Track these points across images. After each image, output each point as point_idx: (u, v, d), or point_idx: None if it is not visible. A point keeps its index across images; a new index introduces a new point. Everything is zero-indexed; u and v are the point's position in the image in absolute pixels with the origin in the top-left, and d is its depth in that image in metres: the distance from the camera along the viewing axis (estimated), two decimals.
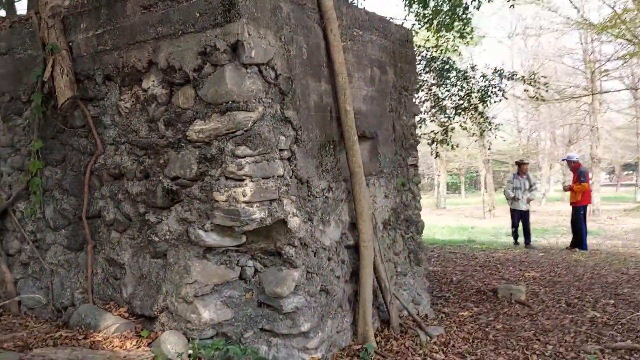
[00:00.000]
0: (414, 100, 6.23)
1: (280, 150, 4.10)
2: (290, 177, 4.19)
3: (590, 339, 5.01)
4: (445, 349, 4.79)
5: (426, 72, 11.01)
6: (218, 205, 3.90)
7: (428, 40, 11.39)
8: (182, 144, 4.11)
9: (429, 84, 11.17)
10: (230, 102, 3.81)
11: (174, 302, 4.14)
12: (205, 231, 4.00)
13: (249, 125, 3.84)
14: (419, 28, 10.98)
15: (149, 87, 4.27)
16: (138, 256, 4.44)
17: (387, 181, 5.54)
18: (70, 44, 4.71)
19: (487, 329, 5.38)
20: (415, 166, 6.15)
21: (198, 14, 3.93)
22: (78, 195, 4.81)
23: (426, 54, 11.02)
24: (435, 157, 13.52)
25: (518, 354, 4.66)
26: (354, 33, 5.12)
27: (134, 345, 3.99)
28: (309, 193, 4.37)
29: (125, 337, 4.10)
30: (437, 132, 11.88)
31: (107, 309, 4.45)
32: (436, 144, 11.86)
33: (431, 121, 11.96)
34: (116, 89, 4.53)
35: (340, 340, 4.59)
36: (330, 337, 4.47)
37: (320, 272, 4.44)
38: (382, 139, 5.48)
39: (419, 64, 10.57)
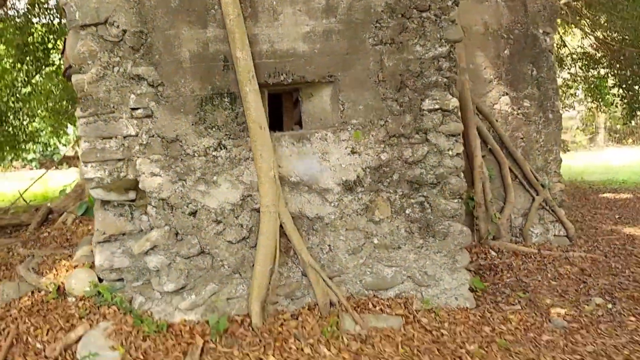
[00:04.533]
0: (445, 22, 4.63)
1: (133, 109, 4.06)
2: (152, 136, 4.11)
3: None
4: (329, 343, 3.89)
5: None
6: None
7: None
8: None
9: None
10: (71, 67, 4.02)
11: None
12: (93, 187, 4.39)
13: (85, 88, 3.98)
14: None
15: None
16: None
17: (364, 134, 4.51)
18: None
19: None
20: (443, 111, 4.66)
21: None
22: None
23: None
24: None
25: None
26: None
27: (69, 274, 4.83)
28: (183, 152, 4.16)
29: (72, 267, 4.98)
30: None
31: None
32: None
33: None
34: None
35: (229, 307, 4.31)
36: (213, 302, 4.26)
37: (201, 235, 4.24)
38: (350, 83, 4.46)
39: None
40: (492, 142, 6.85)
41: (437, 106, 4.60)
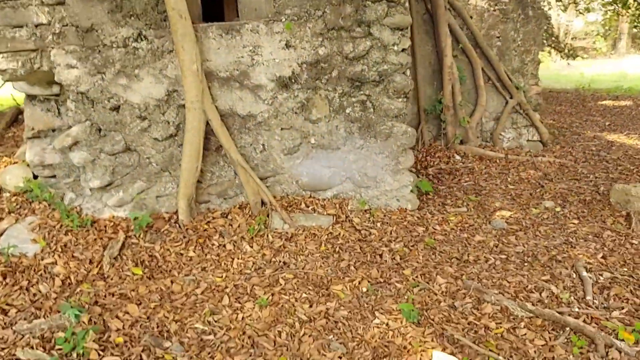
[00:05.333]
0: None
1: None
2: (65, 25, 3.87)
3: None
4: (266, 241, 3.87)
5: None
6: None
7: None
8: None
9: None
10: None
11: None
12: (7, 79, 4.18)
13: None
14: None
15: None
16: None
17: (299, 26, 4.21)
18: None
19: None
20: (389, 1, 4.30)
21: None
22: None
23: None
24: None
25: None
26: None
27: None
28: (101, 43, 3.94)
29: (12, 164, 4.94)
30: None
31: None
32: None
33: None
34: None
35: (159, 205, 4.28)
36: (142, 199, 4.23)
37: (125, 131, 4.12)
38: None
39: None
40: (464, 41, 6.45)
41: None
